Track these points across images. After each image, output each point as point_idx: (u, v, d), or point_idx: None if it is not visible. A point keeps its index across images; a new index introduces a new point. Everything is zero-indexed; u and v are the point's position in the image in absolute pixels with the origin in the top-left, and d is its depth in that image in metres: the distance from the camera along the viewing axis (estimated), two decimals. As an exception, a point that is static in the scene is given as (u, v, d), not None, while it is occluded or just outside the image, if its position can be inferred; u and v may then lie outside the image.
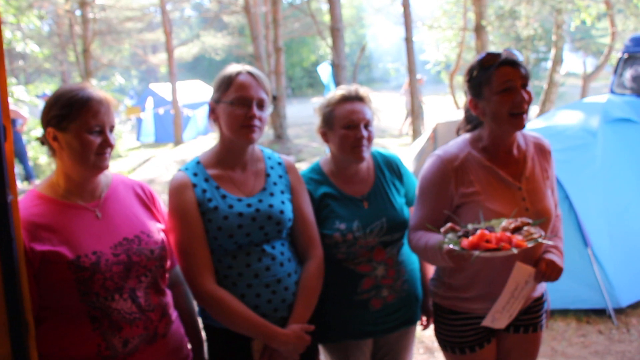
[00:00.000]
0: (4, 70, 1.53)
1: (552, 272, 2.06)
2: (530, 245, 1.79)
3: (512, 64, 2.06)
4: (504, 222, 1.92)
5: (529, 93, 2.06)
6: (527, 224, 1.89)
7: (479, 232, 1.82)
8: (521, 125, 2.07)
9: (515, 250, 1.75)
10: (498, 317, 2.12)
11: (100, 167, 1.85)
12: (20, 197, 1.69)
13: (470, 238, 1.81)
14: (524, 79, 2.06)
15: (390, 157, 2.49)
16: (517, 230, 1.88)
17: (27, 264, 1.68)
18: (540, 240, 1.81)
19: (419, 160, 8.11)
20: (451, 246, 1.84)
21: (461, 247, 1.81)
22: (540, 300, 2.31)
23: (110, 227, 1.88)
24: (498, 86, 2.05)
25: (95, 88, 1.87)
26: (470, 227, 1.93)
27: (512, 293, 2.06)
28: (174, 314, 2.05)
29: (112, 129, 1.87)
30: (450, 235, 1.91)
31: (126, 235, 1.89)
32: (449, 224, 1.96)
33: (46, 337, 1.77)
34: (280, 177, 2.22)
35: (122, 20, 20.93)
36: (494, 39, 15.80)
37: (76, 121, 1.79)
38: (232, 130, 2.08)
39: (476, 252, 1.76)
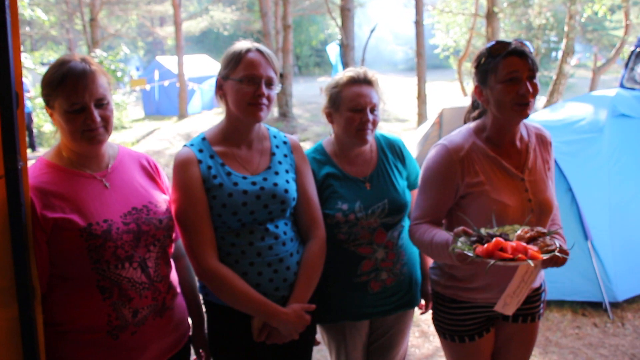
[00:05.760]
0: (19, 39, 1.54)
1: (559, 257, 2.07)
2: (545, 257, 1.76)
3: (520, 54, 2.04)
4: (519, 231, 1.89)
5: (534, 85, 2.04)
6: (543, 234, 1.87)
7: (494, 239, 1.77)
8: (524, 115, 2.06)
9: (532, 263, 1.72)
10: (509, 301, 2.11)
11: (93, 143, 1.82)
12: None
13: (486, 245, 1.77)
14: (531, 71, 2.04)
15: (393, 140, 2.50)
16: (532, 240, 1.84)
17: (40, 231, 1.71)
18: (556, 253, 1.78)
19: (424, 145, 8.11)
20: (465, 251, 1.80)
21: (475, 253, 1.77)
22: (538, 290, 2.33)
23: (119, 197, 1.89)
24: (503, 76, 2.03)
25: (82, 60, 1.80)
26: (483, 231, 1.88)
27: (522, 277, 2.04)
28: (178, 287, 2.08)
29: (99, 102, 1.79)
30: (462, 239, 1.85)
31: (135, 205, 1.90)
32: (461, 227, 1.90)
33: (57, 307, 1.80)
34: (285, 156, 2.22)
35: (130, -9, 20.79)
36: (505, 26, 15.67)
37: (57, 100, 1.77)
38: (239, 107, 2.08)
39: (492, 261, 1.72)
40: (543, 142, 2.25)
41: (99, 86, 1.80)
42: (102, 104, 1.81)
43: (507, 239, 1.81)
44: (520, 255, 1.73)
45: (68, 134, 1.80)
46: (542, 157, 2.22)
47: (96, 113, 1.79)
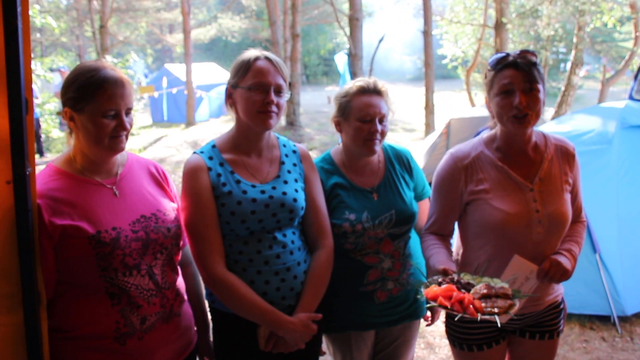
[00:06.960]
0: (29, 45, 1.55)
1: (555, 272, 2.04)
2: (481, 317, 1.80)
3: (515, 66, 2.03)
4: (482, 285, 1.91)
5: (532, 97, 2.02)
6: (507, 295, 1.86)
7: (444, 285, 1.89)
8: (523, 127, 2.06)
9: (457, 315, 1.83)
10: None
11: (115, 149, 1.85)
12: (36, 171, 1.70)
13: (435, 289, 1.88)
14: (528, 83, 2.02)
15: (400, 151, 2.50)
16: (487, 297, 1.86)
17: (47, 237, 1.71)
18: (495, 316, 1.80)
19: (431, 155, 8.09)
20: (420, 288, 1.94)
21: (424, 293, 1.90)
22: (557, 308, 2.29)
23: (128, 205, 1.89)
24: (498, 88, 2.06)
25: (113, 69, 1.84)
26: (462, 275, 1.97)
27: (509, 285, 2.04)
28: (185, 294, 2.08)
29: (128, 111, 1.85)
30: (435, 277, 1.97)
31: (143, 213, 1.90)
32: (442, 266, 2.00)
33: (64, 313, 1.80)
34: (295, 165, 2.22)
35: (140, -2, 20.97)
36: (513, 37, 15.64)
37: (91, 104, 1.77)
38: (249, 115, 2.08)
39: (433, 303, 1.86)
40: (565, 154, 2.21)
41: (130, 95, 1.84)
42: (129, 112, 1.85)
43: (467, 290, 1.89)
44: (456, 307, 1.83)
45: (94, 137, 1.80)
46: (561, 169, 2.18)
47: (126, 120, 1.83)
